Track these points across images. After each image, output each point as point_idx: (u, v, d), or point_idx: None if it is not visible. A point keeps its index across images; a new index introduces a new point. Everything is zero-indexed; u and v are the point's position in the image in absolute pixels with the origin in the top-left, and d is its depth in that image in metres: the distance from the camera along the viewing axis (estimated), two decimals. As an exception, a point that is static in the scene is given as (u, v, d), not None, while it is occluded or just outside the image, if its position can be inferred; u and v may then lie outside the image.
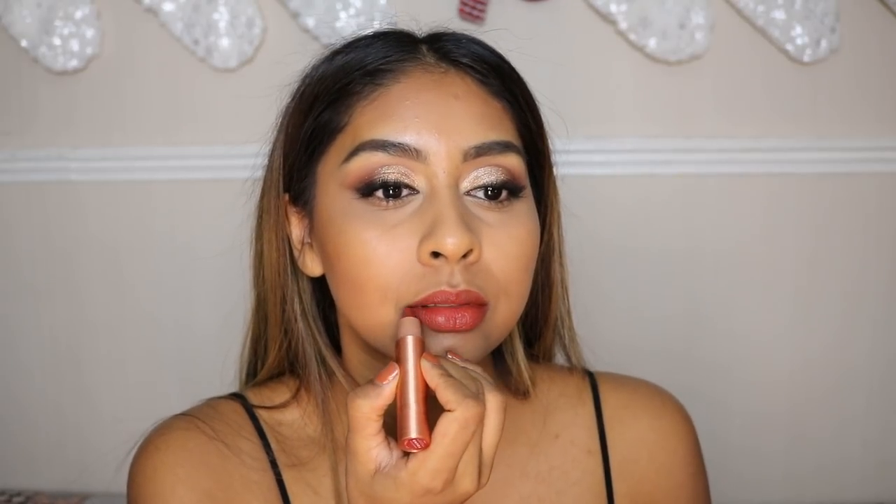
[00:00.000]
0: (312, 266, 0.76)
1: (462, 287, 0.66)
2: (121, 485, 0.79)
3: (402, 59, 0.71)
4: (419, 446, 0.60)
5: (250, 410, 0.79)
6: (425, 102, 0.69)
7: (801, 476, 1.45)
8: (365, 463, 0.62)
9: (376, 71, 0.70)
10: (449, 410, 0.60)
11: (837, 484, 1.46)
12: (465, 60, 0.72)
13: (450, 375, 0.61)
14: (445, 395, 0.60)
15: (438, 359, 0.63)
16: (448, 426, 0.60)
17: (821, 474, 1.45)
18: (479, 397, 0.61)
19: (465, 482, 0.62)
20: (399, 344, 0.63)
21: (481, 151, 0.69)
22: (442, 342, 0.66)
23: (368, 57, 0.71)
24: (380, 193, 0.68)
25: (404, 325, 0.64)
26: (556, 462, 0.81)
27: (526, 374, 0.81)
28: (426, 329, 0.66)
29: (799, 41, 1.35)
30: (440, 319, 0.66)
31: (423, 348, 0.63)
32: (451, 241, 0.65)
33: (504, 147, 0.70)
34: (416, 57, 0.71)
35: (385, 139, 0.68)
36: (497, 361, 0.82)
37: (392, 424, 0.63)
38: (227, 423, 0.77)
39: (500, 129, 0.70)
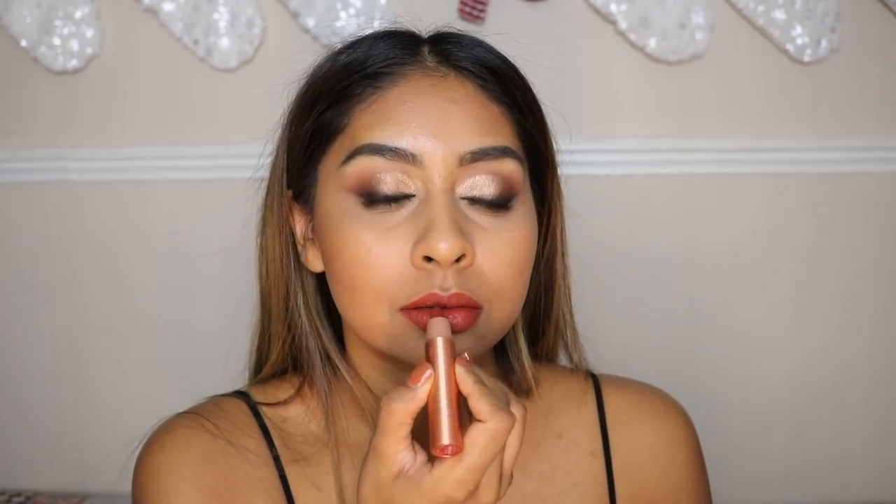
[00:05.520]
0: (314, 262, 0.76)
1: (453, 290, 0.66)
2: (121, 485, 0.79)
3: (402, 62, 0.71)
4: (451, 452, 0.59)
5: (254, 407, 0.79)
6: (422, 107, 0.69)
7: (801, 476, 1.45)
8: (390, 466, 0.61)
9: (376, 74, 0.71)
10: (479, 420, 0.59)
11: (837, 484, 1.46)
12: (465, 64, 0.71)
13: (484, 384, 0.61)
14: (479, 405, 0.59)
15: (470, 364, 0.62)
16: (479, 437, 0.59)
17: (821, 474, 1.45)
18: (509, 410, 0.60)
19: (487, 493, 0.61)
20: (429, 345, 0.62)
21: (477, 156, 0.69)
22: None
23: (370, 59, 0.71)
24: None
25: (434, 325, 0.63)
26: (558, 462, 0.81)
27: (529, 373, 0.81)
28: (419, 331, 0.67)
29: (799, 41, 1.35)
30: None
31: (454, 351, 0.62)
32: (443, 246, 0.65)
33: (501, 152, 0.70)
34: (416, 60, 0.71)
35: (382, 143, 0.68)
36: (499, 359, 0.82)
37: (417, 427, 0.62)
38: (232, 421, 0.77)
39: (498, 134, 0.70)
